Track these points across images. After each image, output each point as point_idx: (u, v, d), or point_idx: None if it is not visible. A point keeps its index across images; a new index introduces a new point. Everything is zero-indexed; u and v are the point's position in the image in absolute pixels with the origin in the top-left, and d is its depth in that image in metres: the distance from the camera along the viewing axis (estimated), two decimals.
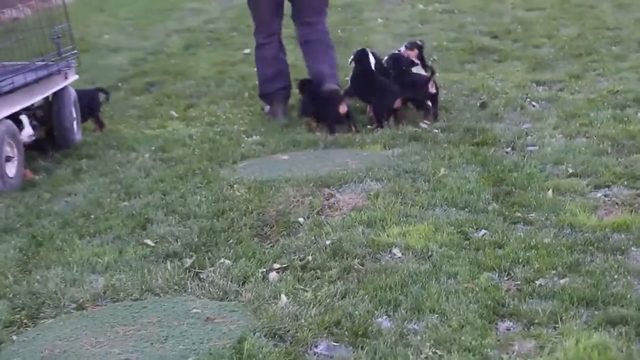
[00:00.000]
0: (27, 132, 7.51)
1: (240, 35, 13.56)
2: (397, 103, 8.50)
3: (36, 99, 7.78)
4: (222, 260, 5.58)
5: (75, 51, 8.33)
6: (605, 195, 6.36)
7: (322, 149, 7.87)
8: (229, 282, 5.26)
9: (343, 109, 8.33)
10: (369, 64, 8.74)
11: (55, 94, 8.09)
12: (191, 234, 6.01)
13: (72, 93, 8.35)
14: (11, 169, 7.18)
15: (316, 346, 4.55)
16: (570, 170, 6.85)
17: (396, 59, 8.94)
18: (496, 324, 4.68)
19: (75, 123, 8.35)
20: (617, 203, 6.19)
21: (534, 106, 8.92)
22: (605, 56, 10.82)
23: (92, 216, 6.46)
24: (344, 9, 15.39)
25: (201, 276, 5.39)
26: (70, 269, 5.51)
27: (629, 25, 12.57)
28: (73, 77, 8.35)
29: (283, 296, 5.02)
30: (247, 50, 12.38)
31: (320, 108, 8.45)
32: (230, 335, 4.60)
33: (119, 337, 4.64)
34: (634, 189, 6.40)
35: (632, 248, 5.42)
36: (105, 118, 9.25)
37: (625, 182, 6.51)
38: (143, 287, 5.25)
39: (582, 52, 11.10)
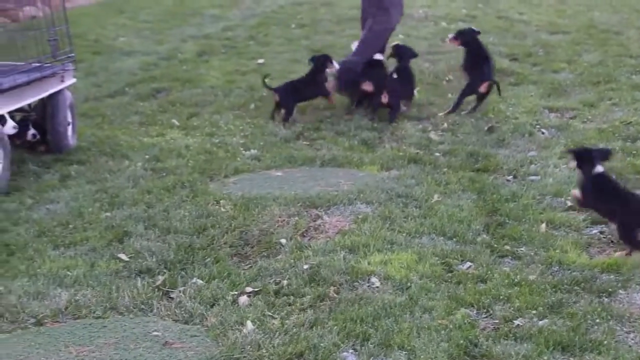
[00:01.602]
0: (10, 125, 7.32)
1: (256, 45, 13.41)
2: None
3: (27, 101, 7.64)
4: (194, 279, 5.41)
5: (73, 54, 8.17)
6: (601, 232, 6.11)
7: (318, 166, 7.67)
8: (197, 304, 5.08)
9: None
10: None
11: (49, 96, 7.95)
12: (168, 250, 5.84)
13: (68, 97, 8.21)
14: None
15: None
16: (569, 204, 6.60)
17: None
18: None
19: (69, 128, 8.21)
20: (611, 241, 5.94)
21: (543, 133, 8.67)
22: (623, 85, 10.53)
23: (71, 226, 6.31)
24: None
25: (170, 296, 5.22)
26: (36, 281, 5.36)
27: None
28: (70, 81, 8.21)
29: (249, 323, 4.84)
30: (261, 60, 12.24)
31: None
32: None
33: (70, 359, 4.47)
34: None
35: (620, 291, 5.18)
36: (105, 123, 9.12)
37: None
38: (107, 304, 5.09)
39: (601, 79, 10.81)
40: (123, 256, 5.76)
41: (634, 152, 7.84)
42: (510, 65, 11.82)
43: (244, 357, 4.48)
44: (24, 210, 6.68)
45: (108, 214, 6.55)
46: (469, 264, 5.60)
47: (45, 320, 4.91)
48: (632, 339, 4.62)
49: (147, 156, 8.02)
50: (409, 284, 5.30)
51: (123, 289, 5.25)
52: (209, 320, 4.89)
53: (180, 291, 5.27)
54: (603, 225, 6.19)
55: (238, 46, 13.47)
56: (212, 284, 5.34)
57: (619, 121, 8.91)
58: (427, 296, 5.13)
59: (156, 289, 5.29)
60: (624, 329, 4.72)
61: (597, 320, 4.79)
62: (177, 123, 9.23)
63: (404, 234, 6.06)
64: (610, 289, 5.18)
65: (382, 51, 9.76)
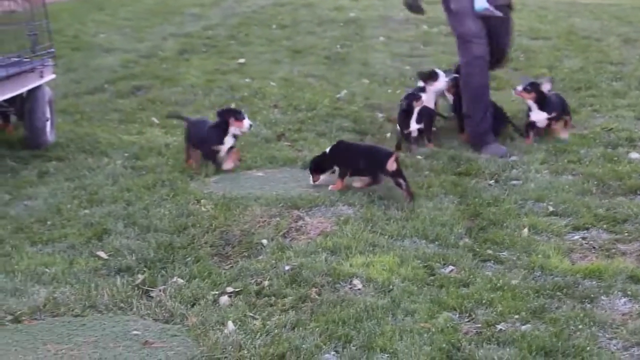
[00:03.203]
0: None
1: (237, 44, 13.36)
2: None
3: (5, 96, 7.54)
4: (175, 279, 5.35)
5: (53, 49, 8.08)
6: (583, 238, 6.10)
7: (299, 167, 7.62)
8: (178, 303, 5.02)
9: None
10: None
11: (28, 92, 7.86)
12: (148, 248, 5.77)
13: (47, 93, 8.12)
14: None
15: None
16: (551, 209, 6.59)
17: None
18: None
19: (48, 124, 8.12)
20: (593, 247, 5.93)
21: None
22: (604, 91, 10.56)
23: (49, 222, 6.23)
24: (347, 24, 15.22)
25: (150, 294, 5.16)
26: (13, 278, 5.28)
27: (633, 61, 12.33)
28: (49, 76, 8.11)
29: (230, 323, 4.78)
30: (241, 60, 12.18)
31: None
32: None
33: (48, 357, 4.40)
34: (613, 233, 6.14)
35: (602, 297, 5.16)
36: (84, 120, 9.03)
37: (605, 226, 6.24)
38: (86, 302, 5.01)
39: (582, 85, 10.85)
40: (102, 254, 5.69)
41: (615, 158, 7.85)
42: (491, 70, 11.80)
43: (225, 357, 4.43)
44: (1, 206, 6.59)
45: (87, 211, 6.47)
46: (451, 267, 5.57)
47: (23, 318, 4.82)
48: (614, 345, 4.61)
49: (126, 154, 7.94)
50: (391, 286, 5.26)
51: (102, 287, 5.18)
52: (189, 320, 4.83)
53: (160, 290, 5.21)
54: (585, 231, 6.19)
55: (219, 45, 13.41)
56: (192, 283, 5.28)
57: (600, 127, 8.92)
58: (410, 299, 5.09)
59: (136, 288, 5.22)
60: (606, 335, 4.71)
61: (580, 326, 4.77)
62: (156, 121, 9.16)
63: (386, 237, 6.02)
64: (592, 295, 5.17)
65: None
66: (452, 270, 5.53)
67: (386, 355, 4.50)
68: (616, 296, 5.17)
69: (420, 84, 8.78)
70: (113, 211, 6.42)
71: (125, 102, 9.97)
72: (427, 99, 8.48)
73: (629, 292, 5.19)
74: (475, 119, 8.33)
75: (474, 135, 8.35)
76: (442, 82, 8.71)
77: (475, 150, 8.14)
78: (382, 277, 5.39)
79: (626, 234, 6.10)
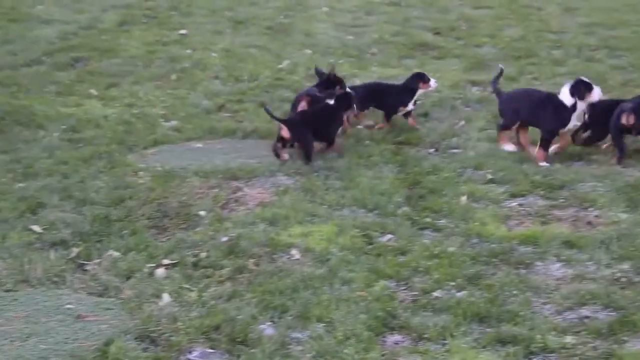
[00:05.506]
0: None
1: (179, 15, 13.17)
2: None
3: None
4: (110, 252, 5.29)
5: None
6: (520, 205, 6.15)
7: (239, 138, 7.57)
8: (112, 276, 4.98)
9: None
10: None
11: None
12: (84, 221, 5.71)
13: None
14: None
15: (190, 352, 4.30)
16: (489, 176, 6.63)
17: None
18: (384, 337, 4.45)
19: None
20: (530, 214, 5.98)
21: (466, 107, 8.68)
22: (544, 60, 10.62)
23: None
24: None
25: (85, 268, 5.10)
26: None
27: (572, 29, 12.39)
28: None
29: (165, 295, 4.75)
30: (183, 31, 12.02)
31: None
32: (99, 335, 4.31)
33: None
34: (549, 199, 6.20)
35: (537, 262, 5.22)
36: (21, 93, 8.86)
37: (542, 192, 6.30)
38: (19, 277, 4.95)
39: (522, 54, 10.89)
40: (36, 228, 5.60)
41: None
42: (434, 39, 11.83)
43: (160, 329, 4.40)
44: None
45: (21, 184, 6.37)
46: (389, 236, 5.59)
47: None
48: (548, 310, 4.66)
49: (63, 126, 7.80)
50: (329, 256, 5.26)
51: (35, 261, 5.11)
52: (124, 293, 4.79)
53: (95, 263, 5.15)
54: (522, 198, 6.24)
55: (160, 16, 13.20)
56: (128, 256, 5.24)
57: None
58: (347, 268, 5.10)
59: (70, 261, 5.16)
60: (540, 300, 4.76)
61: (514, 292, 4.82)
62: (95, 93, 9.00)
63: (325, 206, 6.02)
64: (527, 261, 5.23)
65: None
66: (390, 239, 5.55)
67: (322, 324, 4.51)
68: (551, 261, 5.24)
69: None
70: (48, 184, 6.32)
71: (63, 74, 9.78)
72: None
73: (563, 257, 5.26)
74: None
75: None
76: None
77: None
78: (320, 246, 5.39)
79: (562, 200, 6.16)
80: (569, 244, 5.42)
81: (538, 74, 9.91)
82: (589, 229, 5.70)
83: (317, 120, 7.06)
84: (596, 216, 5.91)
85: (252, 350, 4.27)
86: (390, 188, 6.35)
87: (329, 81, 7.69)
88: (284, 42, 11.60)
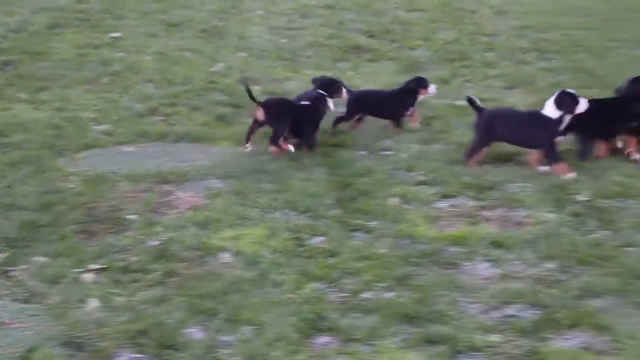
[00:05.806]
0: None
1: (111, 18, 13.02)
2: None
3: None
4: (37, 257, 5.22)
5: None
6: (450, 206, 6.21)
7: (171, 142, 7.52)
8: (38, 282, 4.91)
9: None
10: None
11: None
12: (11, 227, 5.62)
13: None
14: None
15: (117, 357, 4.25)
16: (421, 178, 6.69)
17: None
18: (313, 338, 4.45)
19: None
20: (460, 214, 6.04)
21: None
22: (476, 62, 10.74)
23: None
24: None
25: (10, 274, 5.02)
26: None
27: (504, 32, 12.55)
28: None
29: (92, 300, 4.69)
30: (116, 34, 11.91)
31: None
32: (23, 342, 4.25)
33: None
34: (479, 200, 6.27)
35: (465, 262, 5.27)
36: None
37: (472, 193, 6.37)
38: None
39: (456, 56, 11.00)
40: None
41: None
42: (368, 42, 11.88)
43: (86, 335, 4.35)
44: None
45: None
46: (320, 238, 5.60)
47: None
48: (475, 309, 4.71)
49: None
50: (260, 259, 5.26)
51: None
52: (50, 299, 4.73)
53: (21, 269, 5.08)
54: (452, 199, 6.30)
55: (92, 19, 13.05)
56: (56, 261, 5.17)
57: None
58: (278, 271, 5.10)
59: None
60: (467, 300, 4.81)
61: (443, 292, 4.86)
62: (25, 97, 8.87)
63: (257, 209, 6.01)
64: (456, 261, 5.28)
65: None
66: (321, 241, 5.55)
67: (252, 327, 4.50)
68: (478, 261, 5.29)
69: None
70: None
71: None
72: None
73: (491, 257, 5.32)
74: None
75: None
76: None
77: None
78: (251, 249, 5.39)
79: (491, 201, 6.23)
80: (497, 243, 5.49)
81: (471, 76, 10.02)
82: (517, 228, 5.78)
83: (296, 114, 7.24)
84: (525, 216, 6.00)
85: (180, 355, 4.25)
86: (322, 190, 6.36)
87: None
88: (218, 45, 11.56)
